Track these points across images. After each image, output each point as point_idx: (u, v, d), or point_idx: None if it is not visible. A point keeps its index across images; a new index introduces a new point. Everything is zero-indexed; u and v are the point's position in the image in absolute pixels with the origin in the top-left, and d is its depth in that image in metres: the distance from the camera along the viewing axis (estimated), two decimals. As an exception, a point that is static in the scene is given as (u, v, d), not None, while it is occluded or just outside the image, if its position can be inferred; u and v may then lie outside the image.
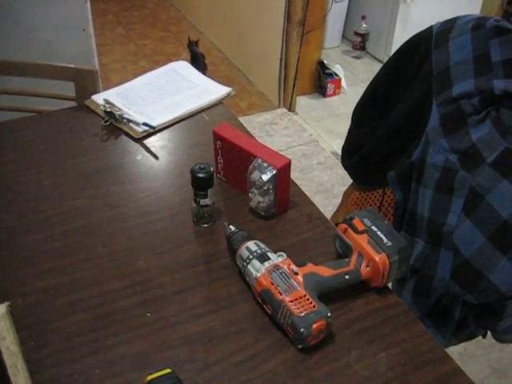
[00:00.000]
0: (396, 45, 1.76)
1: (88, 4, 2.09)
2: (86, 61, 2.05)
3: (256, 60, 3.20)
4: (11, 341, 0.68)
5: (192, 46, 3.16)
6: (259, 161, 0.93)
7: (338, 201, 1.38)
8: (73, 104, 1.37)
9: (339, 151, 1.31)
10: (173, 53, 3.59)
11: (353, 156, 1.22)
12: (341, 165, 1.30)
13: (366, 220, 0.86)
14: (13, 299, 0.80)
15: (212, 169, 0.91)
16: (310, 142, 2.76)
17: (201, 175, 0.90)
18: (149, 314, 0.81)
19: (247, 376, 0.73)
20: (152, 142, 1.17)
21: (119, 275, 0.87)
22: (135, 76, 1.37)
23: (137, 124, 1.19)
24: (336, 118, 2.98)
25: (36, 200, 1.01)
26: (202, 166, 0.91)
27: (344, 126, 1.32)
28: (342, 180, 2.39)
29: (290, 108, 2.99)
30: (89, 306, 0.82)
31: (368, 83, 1.20)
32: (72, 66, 1.32)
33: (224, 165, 1.04)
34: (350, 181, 1.30)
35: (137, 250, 0.92)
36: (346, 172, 1.28)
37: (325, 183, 2.49)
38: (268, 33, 2.98)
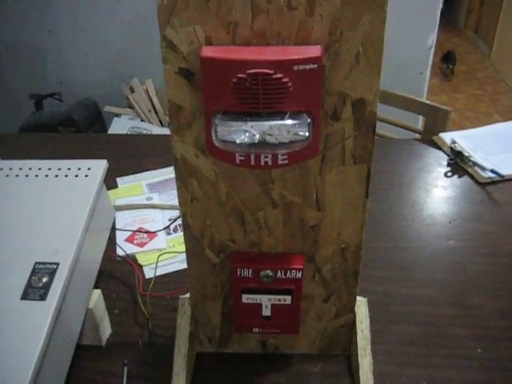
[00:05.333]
0: None
1: (432, 50, 2.18)
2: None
3: None
4: (366, 326, 0.75)
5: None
6: None
7: None
8: (412, 136, 1.46)
9: None
10: (484, 112, 3.53)
11: None
12: None
13: None
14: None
15: None
16: None
17: None
18: (479, 350, 0.82)
19: None
20: (494, 189, 1.18)
21: (454, 303, 0.90)
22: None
23: (483, 169, 1.20)
24: None
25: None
26: None
27: None
28: None
29: None
30: (422, 321, 0.86)
31: None
32: (428, 102, 1.40)
33: None
34: None
35: (472, 285, 0.93)
36: None
37: None
38: None
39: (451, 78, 3.88)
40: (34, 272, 0.67)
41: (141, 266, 0.93)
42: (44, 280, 0.66)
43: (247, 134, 0.56)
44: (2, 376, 0.58)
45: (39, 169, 0.79)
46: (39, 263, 0.67)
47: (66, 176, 0.77)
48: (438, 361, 0.80)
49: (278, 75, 0.52)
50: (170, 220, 1.03)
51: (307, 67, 0.52)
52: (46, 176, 0.78)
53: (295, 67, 0.52)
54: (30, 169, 0.79)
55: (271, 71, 0.52)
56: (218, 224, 0.66)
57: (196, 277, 0.71)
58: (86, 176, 0.77)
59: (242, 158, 0.57)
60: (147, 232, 0.99)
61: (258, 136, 0.56)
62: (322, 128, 0.58)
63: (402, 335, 0.84)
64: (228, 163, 0.58)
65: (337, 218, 0.65)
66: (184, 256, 0.93)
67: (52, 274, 0.66)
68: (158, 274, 0.91)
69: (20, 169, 0.79)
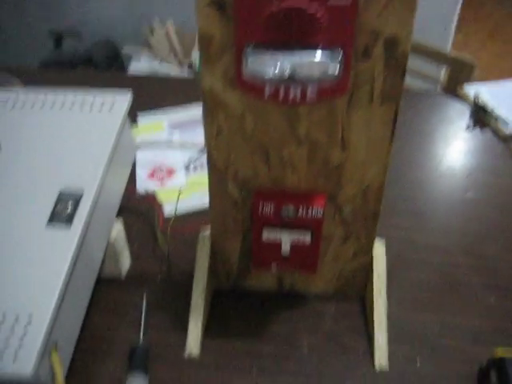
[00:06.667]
0: None
1: (459, 6, 2.12)
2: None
3: None
4: (383, 269, 0.76)
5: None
6: None
7: None
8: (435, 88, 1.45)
9: None
10: (509, 69, 3.46)
11: None
12: None
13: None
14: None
15: None
16: None
17: None
18: (492, 300, 0.83)
19: None
20: (516, 144, 1.17)
21: (469, 253, 0.90)
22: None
23: (505, 124, 1.19)
24: None
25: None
26: None
27: None
28: None
29: None
30: (437, 269, 0.87)
31: None
32: (453, 54, 1.37)
33: None
34: None
35: (488, 237, 0.94)
36: None
37: None
38: None
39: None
40: (58, 200, 0.68)
41: (160, 203, 0.94)
42: (69, 208, 0.67)
43: (278, 68, 0.55)
44: (25, 302, 0.59)
45: (63, 101, 0.79)
46: (64, 192, 0.68)
47: (91, 109, 0.77)
48: (451, 308, 0.81)
49: (312, 10, 0.51)
50: (189, 159, 1.03)
51: (341, 3, 0.52)
52: (70, 109, 0.78)
53: (329, 2, 0.51)
54: (55, 101, 0.79)
55: (305, 5, 0.51)
56: (243, 159, 0.66)
57: (217, 212, 0.72)
58: (111, 109, 0.77)
59: (271, 93, 0.57)
60: (168, 170, 1.00)
61: (288, 70, 0.55)
62: (352, 65, 0.57)
63: (416, 281, 0.85)
64: (256, 97, 0.58)
65: (361, 159, 0.65)
66: (203, 195, 0.94)
67: (77, 202, 0.67)
68: (177, 211, 0.92)
69: (45, 100, 0.79)
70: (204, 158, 1.01)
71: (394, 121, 0.62)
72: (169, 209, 0.93)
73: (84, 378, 0.69)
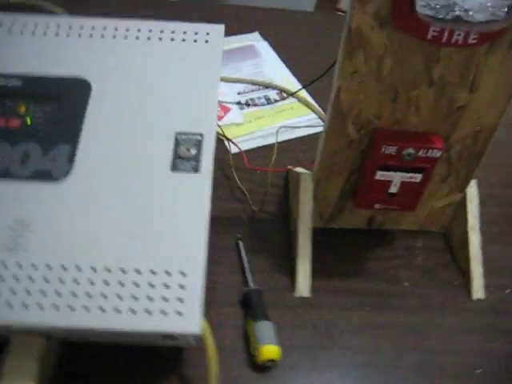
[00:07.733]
0: None
1: None
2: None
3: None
4: (476, 205, 0.78)
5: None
6: None
7: None
8: None
9: None
10: None
11: None
12: None
13: None
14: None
15: None
16: None
17: None
18: None
19: None
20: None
21: None
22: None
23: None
24: None
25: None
26: None
27: None
28: None
29: None
30: None
31: None
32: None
33: None
34: None
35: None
36: None
37: None
38: None
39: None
40: (178, 143, 0.64)
41: (229, 139, 0.90)
42: (193, 151, 0.63)
43: (449, 8, 0.54)
44: (172, 257, 0.56)
45: (148, 30, 0.73)
46: (181, 133, 0.64)
47: (184, 40, 0.72)
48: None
49: None
50: (239, 94, 1.00)
51: None
52: (160, 39, 0.72)
53: None
54: (138, 30, 0.73)
55: None
56: (370, 99, 0.65)
57: (329, 153, 0.71)
58: (206, 41, 0.72)
59: (436, 34, 0.56)
60: (221, 105, 0.96)
61: (458, 12, 0.54)
62: (508, 8, 0.57)
63: (499, 217, 0.87)
64: (418, 37, 0.57)
65: (484, 101, 0.66)
66: (264, 132, 0.92)
67: (198, 145, 0.64)
68: (241, 149, 0.89)
69: (139, 30, 0.73)
70: (255, 94, 0.99)
71: (526, 66, 0.63)
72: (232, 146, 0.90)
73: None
